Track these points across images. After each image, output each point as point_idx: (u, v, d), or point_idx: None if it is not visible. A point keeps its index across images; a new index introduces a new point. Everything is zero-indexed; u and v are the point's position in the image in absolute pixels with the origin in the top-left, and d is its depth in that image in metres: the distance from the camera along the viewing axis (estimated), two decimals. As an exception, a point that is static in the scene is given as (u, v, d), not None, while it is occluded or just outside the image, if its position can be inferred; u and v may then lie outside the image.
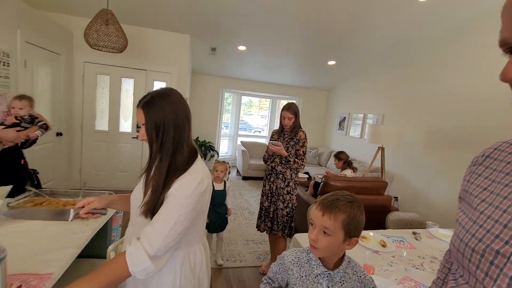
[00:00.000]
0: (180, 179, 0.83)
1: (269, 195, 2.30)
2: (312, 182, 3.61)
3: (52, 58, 3.27)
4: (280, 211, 2.24)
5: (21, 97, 1.98)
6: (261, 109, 7.35)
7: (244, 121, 7.05)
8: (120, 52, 3.03)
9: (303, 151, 2.24)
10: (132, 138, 4.07)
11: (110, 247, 1.01)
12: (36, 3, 3.17)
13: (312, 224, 0.82)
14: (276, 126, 2.37)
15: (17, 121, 1.94)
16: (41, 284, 0.79)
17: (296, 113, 2.25)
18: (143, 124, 0.86)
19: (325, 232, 0.78)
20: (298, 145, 2.23)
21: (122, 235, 1.25)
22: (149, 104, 0.85)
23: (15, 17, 2.60)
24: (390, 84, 4.43)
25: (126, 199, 1.09)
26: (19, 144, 1.96)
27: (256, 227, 2.38)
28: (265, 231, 2.33)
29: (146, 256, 0.74)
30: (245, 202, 4.22)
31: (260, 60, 4.93)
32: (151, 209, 0.83)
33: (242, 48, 4.36)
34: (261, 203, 2.35)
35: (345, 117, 5.73)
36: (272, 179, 2.28)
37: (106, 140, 4.01)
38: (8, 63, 2.52)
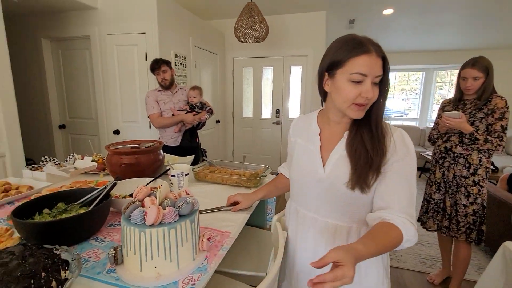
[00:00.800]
0: (390, 136, 0.73)
1: (441, 185, 1.76)
2: (506, 175, 2.58)
3: (211, 57, 3.91)
4: (463, 208, 1.67)
5: (194, 88, 2.42)
6: (402, 91, 6.13)
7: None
8: (262, 40, 3.21)
9: (501, 126, 1.55)
10: (272, 123, 4.33)
11: (275, 218, 0.99)
12: (200, 14, 3.86)
13: None
14: (432, 109, 1.75)
15: (192, 107, 2.39)
16: (223, 241, 0.84)
17: (487, 70, 1.57)
18: (378, 76, 0.70)
19: None
20: (493, 116, 1.56)
21: (277, 208, 1.30)
22: (383, 50, 0.72)
23: (189, 27, 3.24)
24: None
25: (273, 188, 1.09)
26: (195, 126, 2.42)
27: (421, 224, 1.90)
28: (437, 231, 1.82)
29: (414, 228, 0.68)
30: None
31: (410, 23, 4.02)
32: (365, 178, 0.71)
33: (388, 12, 3.67)
34: (428, 194, 1.84)
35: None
36: (446, 164, 1.72)
37: (251, 126, 4.47)
38: (185, 64, 3.19)
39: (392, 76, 5.95)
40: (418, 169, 4.02)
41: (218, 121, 4.18)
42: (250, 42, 3.25)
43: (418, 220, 1.89)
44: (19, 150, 2.09)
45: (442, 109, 1.81)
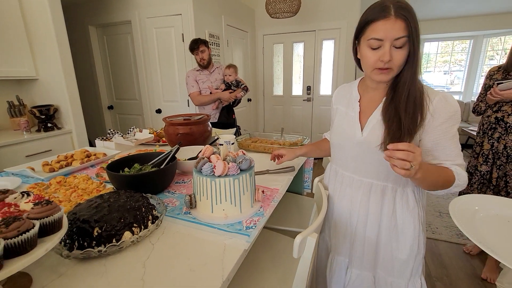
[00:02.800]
0: (433, 99, 0.75)
1: (489, 156, 1.72)
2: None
3: (242, 36, 3.95)
4: None
5: (229, 66, 2.52)
6: (444, 63, 5.65)
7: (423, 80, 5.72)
8: (294, 14, 3.16)
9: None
10: (303, 100, 4.33)
11: (316, 179, 1.09)
12: (230, -9, 3.87)
13: None
14: (479, 82, 1.64)
15: (228, 85, 2.50)
16: (273, 195, 0.97)
17: None
18: (399, 38, 0.69)
19: None
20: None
21: (313, 176, 1.39)
22: (409, 10, 0.69)
23: (221, 6, 3.29)
24: None
25: (315, 148, 1.16)
26: (231, 103, 2.55)
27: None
28: None
29: (466, 174, 0.76)
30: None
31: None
32: (399, 138, 0.75)
33: (432, -27, 3.37)
34: (473, 167, 1.81)
35: None
36: (496, 135, 1.67)
37: (282, 103, 4.51)
38: (218, 44, 3.28)
39: (433, 46, 5.48)
40: (461, 146, 3.80)
41: (249, 100, 4.28)
42: (282, 17, 3.22)
43: (459, 194, 1.88)
44: (82, 127, 2.39)
45: (490, 77, 1.72)
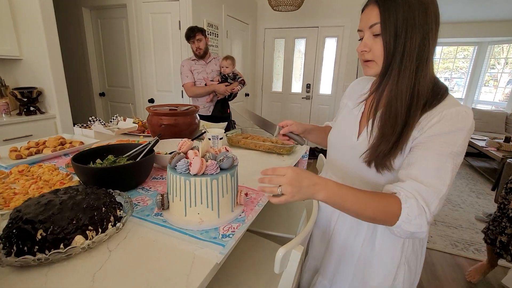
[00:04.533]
0: (440, 112, 0.59)
1: None
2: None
3: (243, 27, 3.82)
4: None
5: (227, 57, 2.40)
6: (446, 69, 5.57)
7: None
8: (297, 8, 3.05)
9: None
10: (302, 98, 4.23)
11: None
12: (233, -19, 3.73)
13: None
14: (480, 90, 1.52)
15: (224, 77, 2.39)
16: (259, 198, 0.87)
17: None
18: (373, 25, 0.62)
19: None
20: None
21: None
22: None
23: (221, -6, 3.16)
24: None
25: (322, 131, 1.01)
26: (226, 97, 2.44)
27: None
28: None
29: (426, 221, 0.56)
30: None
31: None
32: (382, 156, 0.64)
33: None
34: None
35: None
36: None
37: (280, 100, 4.41)
38: (217, 34, 3.15)
39: (437, 51, 5.41)
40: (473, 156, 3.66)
41: (247, 95, 4.17)
42: (284, 10, 3.10)
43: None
44: (67, 113, 2.27)
45: None
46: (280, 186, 0.58)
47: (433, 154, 0.59)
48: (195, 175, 0.68)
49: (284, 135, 0.95)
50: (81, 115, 3.47)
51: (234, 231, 0.68)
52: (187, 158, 0.73)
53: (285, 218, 1.30)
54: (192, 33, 2.22)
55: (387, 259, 0.74)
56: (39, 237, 0.53)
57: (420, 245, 0.78)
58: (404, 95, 0.61)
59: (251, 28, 4.02)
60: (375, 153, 0.65)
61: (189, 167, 0.69)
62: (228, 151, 0.78)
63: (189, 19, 2.68)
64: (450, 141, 0.58)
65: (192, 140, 1.21)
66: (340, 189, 0.59)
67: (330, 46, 3.95)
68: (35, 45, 2.09)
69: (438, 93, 0.63)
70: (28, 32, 2.09)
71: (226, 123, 1.87)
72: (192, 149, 0.76)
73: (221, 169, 0.72)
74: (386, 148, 0.63)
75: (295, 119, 4.33)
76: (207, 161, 0.70)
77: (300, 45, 4.13)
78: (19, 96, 2.01)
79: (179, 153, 0.73)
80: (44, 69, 2.13)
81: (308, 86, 4.16)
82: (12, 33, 2.05)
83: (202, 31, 2.25)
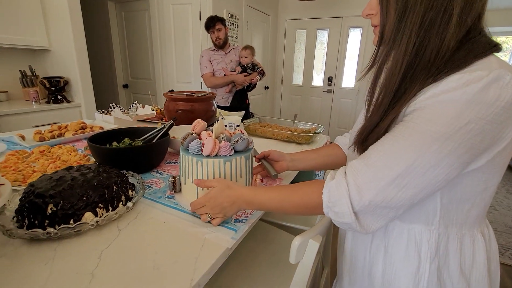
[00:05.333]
0: (436, 84, 0.42)
1: None
2: None
3: (264, 19, 3.74)
4: None
5: (246, 47, 2.35)
6: None
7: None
8: (321, -4, 2.93)
9: None
10: (323, 91, 4.10)
11: (333, 170, 0.93)
12: (254, -29, 3.66)
13: None
14: None
15: (243, 68, 2.35)
16: (275, 184, 0.82)
17: None
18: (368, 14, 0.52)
19: None
20: None
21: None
22: None
23: (242, -16, 3.10)
24: None
25: (320, 152, 0.83)
26: (245, 87, 2.40)
27: None
28: None
29: (349, 208, 0.44)
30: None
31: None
32: (364, 137, 0.51)
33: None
34: None
35: None
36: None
37: (301, 93, 4.30)
38: (237, 25, 3.11)
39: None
40: None
41: (266, 87, 4.10)
42: (307, -1, 2.99)
43: None
44: (91, 102, 2.35)
45: None
46: (207, 214, 0.59)
47: (400, 131, 0.44)
48: (208, 156, 0.65)
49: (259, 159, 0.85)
50: (106, 106, 3.59)
51: (247, 217, 0.64)
52: (199, 139, 0.70)
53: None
54: (212, 23, 2.20)
55: (399, 275, 0.53)
56: (49, 211, 0.53)
57: (460, 269, 0.50)
58: (397, 71, 0.46)
59: (272, 19, 3.94)
60: (360, 136, 0.52)
61: (202, 148, 0.65)
62: (243, 133, 0.74)
63: (209, 9, 2.66)
64: (430, 114, 0.41)
65: (208, 127, 1.18)
66: (256, 196, 0.57)
67: (355, 37, 3.77)
68: (62, 37, 2.17)
69: (463, 57, 0.42)
70: (56, 24, 2.17)
71: (244, 112, 1.83)
72: (206, 130, 0.73)
73: (235, 151, 0.68)
74: (367, 130, 0.51)
75: (316, 113, 4.21)
76: (220, 142, 0.67)
77: (323, 37, 3.98)
78: (47, 85, 2.10)
79: (191, 134, 0.70)
80: (70, 60, 2.20)
81: (330, 79, 4.02)
82: (42, 25, 2.14)
83: (222, 20, 2.22)
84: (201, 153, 0.65)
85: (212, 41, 2.31)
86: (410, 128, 0.43)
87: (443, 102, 0.40)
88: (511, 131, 0.41)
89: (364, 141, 0.51)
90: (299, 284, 0.64)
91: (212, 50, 2.35)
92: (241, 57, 2.35)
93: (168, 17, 2.88)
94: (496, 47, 0.44)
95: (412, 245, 0.51)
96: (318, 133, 1.28)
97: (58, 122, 2.10)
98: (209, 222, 0.60)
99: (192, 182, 0.66)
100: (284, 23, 4.10)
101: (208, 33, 2.29)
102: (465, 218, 0.49)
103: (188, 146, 0.67)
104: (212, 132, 0.70)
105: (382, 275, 0.55)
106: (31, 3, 2.05)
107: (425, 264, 0.50)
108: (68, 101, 2.23)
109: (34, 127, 1.96)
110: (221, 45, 2.29)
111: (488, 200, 0.49)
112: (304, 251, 0.60)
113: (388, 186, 0.42)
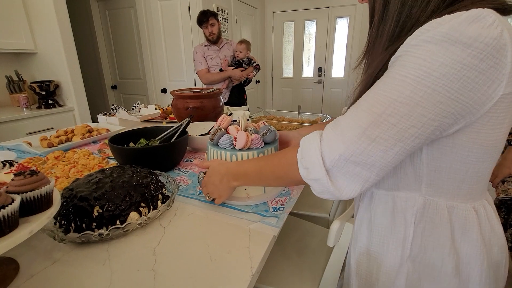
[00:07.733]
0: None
1: None
2: None
3: (251, 12, 3.72)
4: None
5: (241, 42, 2.34)
6: None
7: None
8: (309, -13, 2.94)
9: None
10: (314, 83, 4.14)
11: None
12: (239, -37, 3.61)
13: None
14: None
15: (238, 63, 2.34)
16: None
17: None
18: None
19: None
20: None
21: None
22: None
23: (229, -23, 3.06)
24: None
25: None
26: (242, 82, 2.39)
27: None
28: None
29: (318, 160, 0.42)
30: None
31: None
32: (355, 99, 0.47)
33: None
34: None
35: None
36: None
37: (291, 85, 4.33)
38: (226, 19, 3.08)
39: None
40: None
41: (257, 81, 4.10)
42: (295, -10, 2.99)
43: None
44: (84, 105, 2.28)
45: None
46: (207, 194, 0.65)
47: (377, 83, 0.41)
48: (241, 150, 0.66)
49: None
50: (95, 108, 3.48)
51: (283, 204, 0.66)
52: (228, 134, 0.71)
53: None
54: (205, 18, 2.17)
55: (386, 253, 0.51)
56: (96, 213, 0.53)
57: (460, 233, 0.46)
58: (386, 32, 0.44)
59: (259, 12, 3.92)
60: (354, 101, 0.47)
61: (234, 142, 0.67)
62: (267, 125, 0.76)
63: (198, 4, 2.61)
64: (404, 60, 0.37)
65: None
66: (239, 167, 0.60)
67: (342, 27, 3.82)
68: (49, 38, 2.08)
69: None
70: (41, 25, 2.07)
71: (248, 105, 1.83)
72: (231, 124, 0.74)
73: (265, 143, 0.69)
74: (358, 93, 0.48)
75: (307, 104, 4.26)
76: (251, 135, 0.68)
77: (311, 28, 4.01)
78: (37, 90, 2.02)
79: (220, 129, 0.71)
80: (59, 62, 2.12)
81: (319, 70, 4.06)
82: (26, 27, 2.05)
83: (215, 15, 2.19)
84: (233, 147, 0.67)
85: (205, 36, 2.28)
86: (384, 77, 0.40)
87: (416, 45, 0.36)
88: (499, 89, 0.35)
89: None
90: (336, 265, 0.67)
91: (206, 45, 2.32)
92: (236, 51, 2.34)
93: (156, 13, 2.81)
94: (504, 6, 0.37)
95: (398, 212, 0.48)
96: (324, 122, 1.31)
97: (52, 128, 2.04)
98: (212, 201, 0.66)
99: (225, 176, 0.68)
100: (272, 16, 4.08)
101: (201, 28, 2.26)
102: (457, 189, 0.45)
103: (219, 142, 0.68)
104: (240, 126, 0.71)
105: (367, 246, 0.53)
106: (12, 4, 1.95)
107: (410, 228, 0.47)
108: (60, 105, 2.16)
109: (28, 134, 1.89)
110: (214, 40, 2.27)
111: (484, 174, 0.45)
112: (340, 234, 0.63)
113: (359, 138, 0.39)
